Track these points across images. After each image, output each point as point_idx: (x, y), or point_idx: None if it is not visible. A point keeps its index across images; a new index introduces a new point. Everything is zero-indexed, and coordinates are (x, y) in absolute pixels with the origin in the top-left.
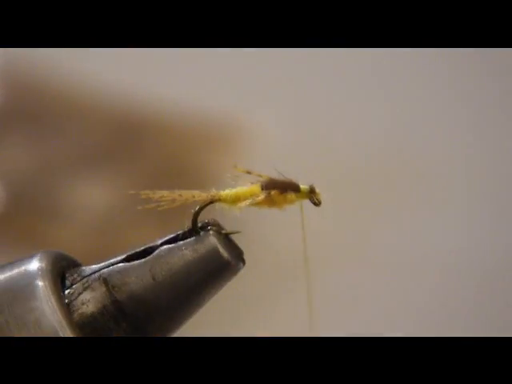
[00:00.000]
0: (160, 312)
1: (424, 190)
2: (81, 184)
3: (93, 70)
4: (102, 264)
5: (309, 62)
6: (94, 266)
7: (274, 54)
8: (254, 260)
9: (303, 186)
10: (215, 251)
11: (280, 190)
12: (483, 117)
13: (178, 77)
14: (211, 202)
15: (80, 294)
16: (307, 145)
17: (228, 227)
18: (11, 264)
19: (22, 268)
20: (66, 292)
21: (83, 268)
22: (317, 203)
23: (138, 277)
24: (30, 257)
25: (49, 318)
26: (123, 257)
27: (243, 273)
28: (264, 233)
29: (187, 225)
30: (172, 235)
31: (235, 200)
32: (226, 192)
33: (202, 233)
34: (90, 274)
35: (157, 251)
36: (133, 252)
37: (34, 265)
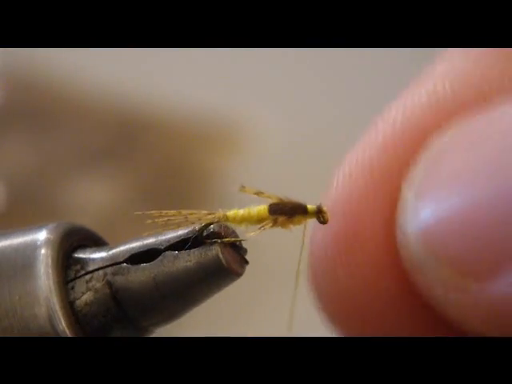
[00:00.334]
0: (161, 318)
1: None
2: (81, 183)
3: (93, 69)
4: (106, 255)
5: (309, 62)
6: (97, 258)
7: (274, 54)
8: (252, 260)
9: (311, 207)
10: (219, 266)
11: (287, 215)
12: None
13: (178, 76)
14: (218, 221)
15: (83, 293)
16: (307, 144)
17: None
18: (17, 232)
19: (29, 239)
20: (69, 286)
21: (86, 259)
22: (323, 222)
23: (142, 284)
24: (39, 229)
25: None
26: (126, 256)
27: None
28: (263, 234)
29: (191, 229)
30: (175, 238)
31: (241, 221)
32: (233, 212)
33: (207, 243)
34: (93, 271)
35: (161, 257)
36: (137, 252)
37: (40, 250)
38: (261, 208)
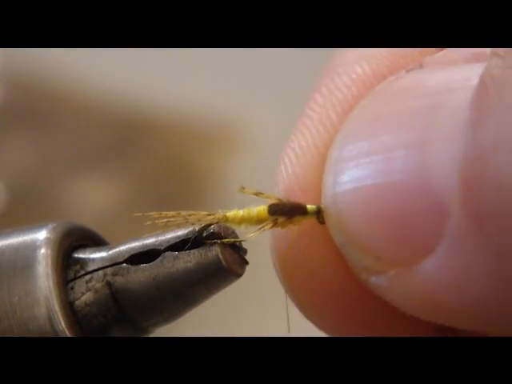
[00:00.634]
0: (161, 318)
1: None
2: (81, 183)
3: (93, 69)
4: (105, 255)
5: (308, 63)
6: (97, 259)
7: (274, 54)
8: (252, 260)
9: (310, 207)
10: (219, 267)
11: (287, 216)
12: None
13: (177, 77)
14: (217, 222)
15: (83, 294)
16: None
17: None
18: (17, 232)
19: (28, 239)
20: (69, 286)
21: (86, 259)
22: (323, 222)
23: (142, 284)
24: (39, 229)
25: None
26: (126, 257)
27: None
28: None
29: (191, 229)
30: (175, 238)
31: (241, 222)
32: (233, 213)
33: (207, 244)
34: (93, 271)
35: (161, 258)
36: (137, 252)
37: (40, 250)
38: (260, 209)
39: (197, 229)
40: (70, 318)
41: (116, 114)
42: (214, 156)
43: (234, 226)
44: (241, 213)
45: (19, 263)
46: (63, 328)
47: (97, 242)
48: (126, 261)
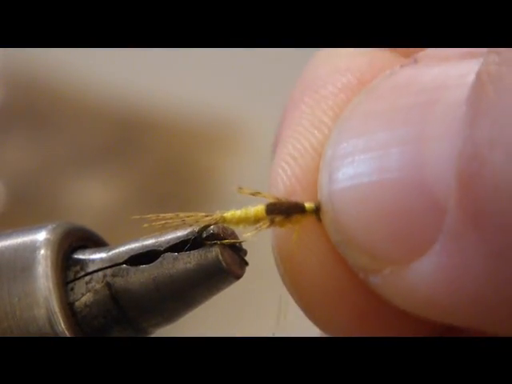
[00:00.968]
0: (161, 319)
1: None
2: (81, 183)
3: (93, 69)
4: (105, 256)
5: (307, 63)
6: (97, 259)
7: (273, 54)
8: (252, 260)
9: (309, 205)
10: (219, 268)
11: (285, 215)
12: None
13: (176, 77)
14: (216, 222)
15: (83, 294)
16: None
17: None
18: (17, 233)
19: (28, 240)
20: (69, 287)
21: (86, 260)
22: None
23: (142, 285)
24: (39, 230)
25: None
26: (126, 258)
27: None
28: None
29: (191, 230)
30: (175, 239)
31: (239, 222)
32: (231, 214)
33: (207, 245)
34: (93, 272)
35: (160, 259)
36: (136, 253)
37: (40, 251)
38: (258, 208)
39: (196, 229)
40: (69, 319)
41: (116, 114)
42: (214, 156)
43: (233, 227)
44: (238, 213)
45: (19, 264)
46: (63, 329)
47: (96, 243)
48: (126, 262)
